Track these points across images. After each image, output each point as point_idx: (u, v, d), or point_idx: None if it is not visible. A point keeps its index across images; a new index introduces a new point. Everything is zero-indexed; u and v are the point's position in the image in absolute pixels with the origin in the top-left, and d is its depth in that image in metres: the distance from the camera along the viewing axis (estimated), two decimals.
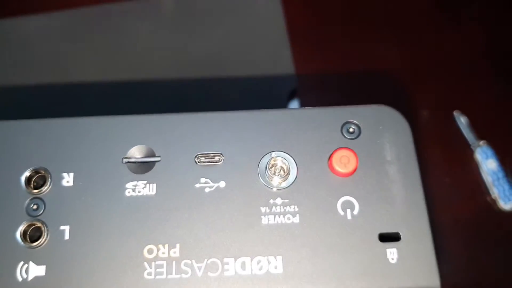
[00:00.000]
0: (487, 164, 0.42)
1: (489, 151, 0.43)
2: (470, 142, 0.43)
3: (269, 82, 0.41)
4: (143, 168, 0.22)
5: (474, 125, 0.43)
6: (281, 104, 0.41)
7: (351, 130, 0.22)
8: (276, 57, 0.42)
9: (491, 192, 0.43)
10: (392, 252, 0.21)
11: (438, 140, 0.43)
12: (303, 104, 0.41)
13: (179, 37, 0.41)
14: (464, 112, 0.43)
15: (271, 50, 0.42)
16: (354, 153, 0.22)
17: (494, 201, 0.43)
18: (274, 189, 0.22)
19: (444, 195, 0.42)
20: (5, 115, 0.24)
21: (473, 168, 0.43)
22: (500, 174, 0.42)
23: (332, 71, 0.44)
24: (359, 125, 0.23)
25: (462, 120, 0.43)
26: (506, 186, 0.42)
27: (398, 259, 0.21)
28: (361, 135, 0.22)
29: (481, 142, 0.43)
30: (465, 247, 0.44)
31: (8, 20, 0.43)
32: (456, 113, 0.44)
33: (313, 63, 0.42)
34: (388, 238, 0.21)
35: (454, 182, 0.43)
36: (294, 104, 0.41)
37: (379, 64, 0.45)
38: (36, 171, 0.22)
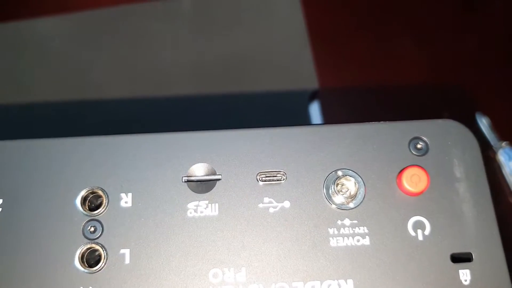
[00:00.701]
0: (510, 165, 0.42)
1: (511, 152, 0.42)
2: (493, 143, 0.42)
3: (290, 85, 0.40)
4: (204, 187, 0.22)
5: (495, 126, 0.43)
6: (303, 107, 0.40)
7: (418, 146, 0.22)
8: (297, 58, 0.41)
9: None
10: (464, 273, 0.20)
11: None
12: (324, 106, 0.40)
13: (199, 39, 0.40)
14: (486, 113, 0.42)
15: (292, 52, 0.41)
16: (425, 171, 0.21)
17: None
18: (342, 210, 0.21)
19: None
20: (49, 133, 0.23)
21: (496, 169, 0.43)
22: None
23: (353, 73, 0.43)
24: (427, 141, 0.22)
25: (484, 121, 0.42)
26: None
27: (471, 281, 0.20)
28: (429, 151, 0.22)
29: (504, 143, 0.42)
30: None
31: (24, 23, 0.41)
32: (478, 114, 0.43)
33: (334, 65, 0.42)
34: (460, 259, 0.21)
35: None
36: (315, 105, 0.40)
37: (402, 68, 0.44)
38: (92, 191, 0.21)
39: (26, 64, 0.39)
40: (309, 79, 0.40)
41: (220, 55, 0.38)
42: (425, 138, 0.22)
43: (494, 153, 0.42)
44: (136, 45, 0.40)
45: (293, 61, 0.39)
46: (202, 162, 0.22)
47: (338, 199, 0.21)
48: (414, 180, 0.21)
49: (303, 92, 0.38)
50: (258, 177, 0.21)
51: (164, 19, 0.39)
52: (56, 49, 0.39)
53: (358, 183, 0.21)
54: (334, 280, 0.20)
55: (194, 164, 0.22)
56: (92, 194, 0.21)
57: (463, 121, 0.23)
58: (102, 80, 0.38)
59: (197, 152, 0.22)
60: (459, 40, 0.44)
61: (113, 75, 0.38)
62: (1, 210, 0.21)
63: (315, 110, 0.40)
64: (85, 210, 0.21)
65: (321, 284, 0.20)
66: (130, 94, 0.37)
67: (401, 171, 0.21)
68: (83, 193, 0.21)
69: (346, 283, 0.20)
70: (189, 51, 0.39)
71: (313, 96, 0.41)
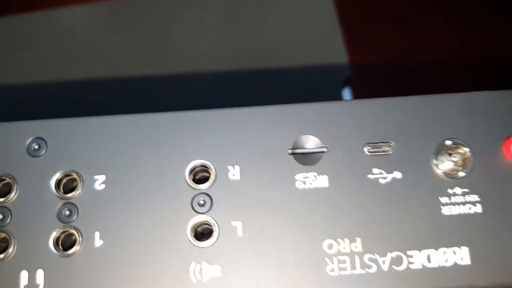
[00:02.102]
0: None
1: None
2: None
3: (322, 71, 0.40)
4: (310, 159, 0.21)
5: None
6: (336, 92, 0.40)
7: None
8: (328, 45, 0.41)
9: None
10: None
11: None
12: (356, 92, 0.40)
13: (228, 27, 0.39)
14: None
15: (322, 37, 0.41)
16: None
17: None
18: (452, 179, 0.21)
19: None
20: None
21: None
22: None
23: (385, 58, 0.43)
24: None
25: None
26: None
27: None
28: None
29: None
30: None
31: (50, 12, 0.41)
32: None
33: (365, 50, 0.41)
34: None
35: None
36: (347, 92, 0.40)
37: (435, 53, 0.44)
38: (202, 165, 0.21)
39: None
40: (341, 65, 0.40)
41: (249, 43, 0.38)
42: None
43: None
44: (166, 33, 0.40)
45: (324, 47, 0.39)
46: (308, 134, 0.21)
47: (448, 168, 0.21)
48: None
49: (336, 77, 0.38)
50: (365, 149, 0.21)
51: (193, 7, 0.39)
52: (85, 39, 0.38)
53: (467, 151, 0.21)
54: (448, 247, 0.20)
55: (299, 136, 0.21)
56: (201, 167, 0.21)
57: None
58: (132, 71, 0.37)
59: (303, 124, 0.21)
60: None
61: (142, 64, 0.38)
62: (105, 187, 0.21)
63: (347, 96, 0.40)
64: (193, 184, 0.21)
65: (436, 252, 0.20)
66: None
67: (508, 138, 0.21)
68: (190, 166, 0.21)
69: (461, 250, 0.20)
70: (218, 38, 0.38)
71: (345, 82, 0.41)
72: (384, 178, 0.21)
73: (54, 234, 0.20)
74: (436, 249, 0.20)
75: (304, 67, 0.39)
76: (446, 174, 0.21)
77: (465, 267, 0.20)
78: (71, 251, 0.20)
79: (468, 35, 0.43)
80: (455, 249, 0.20)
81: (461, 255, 0.20)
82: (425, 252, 0.20)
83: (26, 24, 0.38)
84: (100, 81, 0.36)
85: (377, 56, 0.42)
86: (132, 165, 0.21)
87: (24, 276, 0.20)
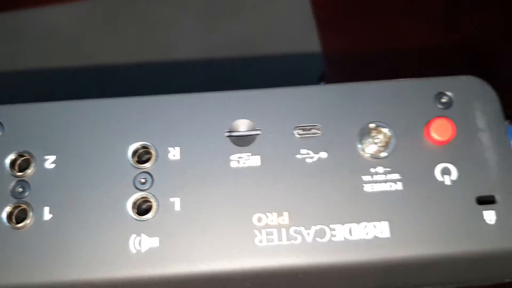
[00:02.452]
0: None
1: None
2: None
3: (297, 64, 0.42)
4: (245, 141, 0.23)
5: None
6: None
7: (443, 100, 0.23)
8: (303, 40, 0.42)
9: None
10: (489, 214, 0.22)
11: None
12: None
13: (206, 24, 0.41)
14: None
15: (298, 34, 0.43)
16: (451, 121, 0.23)
17: None
18: (374, 158, 0.23)
19: None
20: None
21: None
22: None
23: (358, 50, 0.45)
24: (451, 95, 0.23)
25: None
26: None
27: (496, 221, 0.22)
28: (453, 105, 0.23)
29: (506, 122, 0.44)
30: None
31: (31, 11, 0.43)
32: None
33: (339, 43, 0.43)
34: (485, 201, 0.22)
35: None
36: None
37: (403, 42, 0.45)
38: (143, 146, 0.23)
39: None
40: (316, 60, 0.42)
41: (228, 40, 0.40)
42: (449, 93, 0.23)
43: None
44: (145, 31, 0.42)
45: (300, 43, 0.41)
46: (243, 119, 0.23)
47: (371, 149, 0.23)
48: (441, 130, 0.23)
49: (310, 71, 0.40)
50: (295, 131, 0.23)
51: (172, 4, 0.41)
52: (66, 37, 0.41)
53: (389, 133, 0.23)
54: (369, 222, 0.22)
55: (235, 120, 0.23)
56: (143, 149, 0.23)
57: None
58: (111, 66, 0.39)
59: (239, 109, 0.23)
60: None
61: (122, 60, 0.40)
62: (56, 166, 0.23)
63: None
64: (135, 164, 0.23)
65: (358, 226, 0.22)
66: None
67: (428, 122, 0.23)
68: (133, 147, 0.23)
69: (381, 224, 0.22)
70: (197, 36, 0.40)
71: (320, 78, 0.43)
72: (311, 158, 0.23)
73: (7, 209, 0.22)
74: (358, 223, 0.22)
75: (279, 57, 0.41)
76: (369, 154, 0.23)
77: (384, 239, 0.22)
78: (22, 224, 0.22)
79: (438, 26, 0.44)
80: (376, 223, 0.22)
81: (381, 229, 0.22)
82: (348, 225, 0.22)
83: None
84: (59, 71, 0.38)
85: (350, 46, 0.43)
86: (81, 147, 0.23)
87: None
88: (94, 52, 0.40)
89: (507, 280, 0.23)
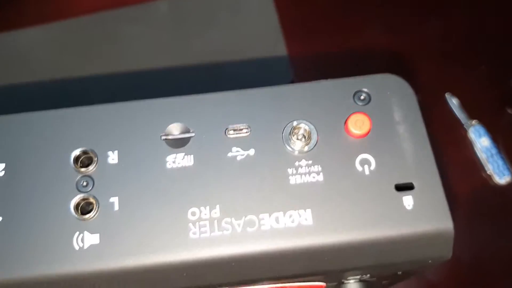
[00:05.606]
0: (481, 142, 0.45)
1: (481, 129, 0.46)
2: (463, 122, 0.46)
3: (266, 72, 0.44)
4: (179, 143, 0.25)
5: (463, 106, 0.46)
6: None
7: (362, 97, 0.25)
8: (272, 52, 0.45)
9: (486, 169, 0.46)
10: (408, 199, 0.24)
11: (432, 122, 0.46)
12: None
13: (178, 39, 0.44)
14: (454, 93, 0.46)
15: (266, 46, 0.45)
16: (367, 115, 0.24)
17: (489, 177, 0.46)
18: (298, 153, 0.25)
19: (442, 173, 0.45)
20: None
21: (468, 147, 0.46)
22: (494, 151, 0.45)
23: (325, 57, 0.47)
24: (369, 92, 0.25)
25: (454, 102, 0.46)
26: (500, 162, 0.45)
27: (413, 205, 0.24)
28: (371, 101, 0.25)
29: (474, 122, 0.46)
30: (465, 222, 0.47)
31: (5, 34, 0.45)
32: (447, 95, 0.47)
33: (307, 50, 0.45)
34: (403, 188, 0.24)
35: (451, 161, 0.46)
36: None
37: (372, 47, 0.47)
38: (84, 152, 0.25)
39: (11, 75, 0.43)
40: (284, 72, 0.44)
41: (197, 55, 0.43)
42: (367, 90, 0.25)
43: (465, 131, 0.46)
44: (115, 50, 0.44)
45: (268, 55, 0.43)
46: (177, 122, 0.25)
47: (295, 145, 0.25)
48: (358, 124, 0.24)
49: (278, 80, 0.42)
50: (226, 132, 0.25)
51: (142, 23, 0.44)
52: (38, 59, 0.43)
53: (311, 130, 0.25)
54: (295, 210, 0.24)
55: (170, 124, 0.25)
56: (84, 154, 0.25)
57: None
58: (83, 87, 0.42)
59: (173, 114, 0.25)
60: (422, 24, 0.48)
61: (92, 81, 0.42)
62: (5, 173, 0.25)
63: None
64: (78, 168, 0.25)
65: (284, 214, 0.24)
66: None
67: (347, 117, 0.25)
68: (75, 153, 0.25)
69: (305, 212, 0.24)
70: (167, 52, 0.43)
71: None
72: (242, 155, 0.25)
73: None
74: (284, 212, 0.24)
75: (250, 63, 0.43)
76: (293, 149, 0.25)
77: (308, 226, 0.23)
78: None
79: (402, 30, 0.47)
80: (300, 211, 0.24)
81: (305, 217, 0.24)
82: (274, 215, 0.24)
83: None
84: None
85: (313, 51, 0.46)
86: (28, 156, 0.25)
87: None
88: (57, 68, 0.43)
89: (430, 262, 0.25)
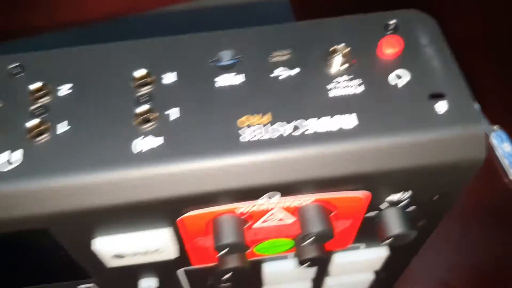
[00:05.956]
0: (503, 147, 0.46)
1: (503, 135, 0.46)
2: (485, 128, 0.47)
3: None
4: (229, 67, 0.28)
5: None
6: None
7: (391, 27, 0.28)
8: None
9: (508, 174, 0.46)
10: (440, 105, 0.26)
11: None
12: None
13: None
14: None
15: None
16: (399, 37, 0.27)
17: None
18: (337, 72, 0.27)
19: None
20: None
21: (489, 152, 0.47)
22: None
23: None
24: (397, 23, 0.29)
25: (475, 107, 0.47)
26: None
27: (446, 110, 0.26)
28: (400, 29, 0.28)
29: (495, 127, 0.47)
30: (487, 229, 0.47)
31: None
32: None
33: None
34: (435, 96, 0.26)
35: None
36: None
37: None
38: (143, 73, 0.27)
39: None
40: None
41: None
42: (396, 21, 0.29)
43: (487, 136, 0.47)
44: None
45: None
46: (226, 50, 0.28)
47: (335, 64, 0.27)
48: (392, 44, 0.27)
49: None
50: (269, 57, 0.28)
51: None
52: None
53: (348, 52, 0.28)
54: (336, 115, 0.26)
55: (220, 51, 0.28)
56: (143, 76, 0.27)
57: None
58: None
59: (222, 44, 0.28)
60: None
61: None
62: (72, 91, 0.27)
63: None
64: (138, 86, 0.27)
65: (331, 118, 0.26)
66: None
67: (380, 39, 0.28)
68: (137, 73, 0.27)
69: (351, 116, 0.26)
70: None
71: None
72: (285, 75, 0.27)
73: None
74: (331, 116, 0.26)
75: None
76: (333, 68, 0.27)
77: (354, 128, 0.25)
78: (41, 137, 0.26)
79: None
80: (342, 116, 0.26)
81: (347, 121, 0.26)
82: (316, 120, 0.26)
83: None
84: None
85: None
86: (93, 76, 0.27)
87: None
88: None
89: (465, 168, 0.26)
